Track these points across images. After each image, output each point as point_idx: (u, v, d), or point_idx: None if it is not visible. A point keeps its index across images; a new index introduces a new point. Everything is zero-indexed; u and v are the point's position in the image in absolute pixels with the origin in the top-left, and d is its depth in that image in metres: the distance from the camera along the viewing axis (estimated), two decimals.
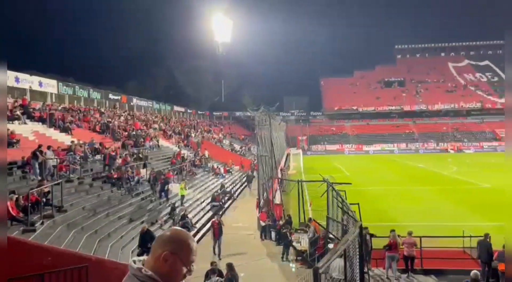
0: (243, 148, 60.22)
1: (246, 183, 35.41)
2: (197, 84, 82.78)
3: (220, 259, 15.07)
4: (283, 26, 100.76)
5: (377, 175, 40.64)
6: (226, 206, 26.43)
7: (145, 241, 13.71)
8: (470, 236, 14.08)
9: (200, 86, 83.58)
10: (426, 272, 13.44)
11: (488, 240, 13.11)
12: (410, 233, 13.73)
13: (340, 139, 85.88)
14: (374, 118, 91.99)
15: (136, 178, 21.01)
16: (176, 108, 65.64)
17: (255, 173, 31.77)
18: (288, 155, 57.56)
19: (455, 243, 14.59)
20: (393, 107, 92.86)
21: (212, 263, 11.60)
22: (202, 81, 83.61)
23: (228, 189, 30.16)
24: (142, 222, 17.66)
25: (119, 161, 21.69)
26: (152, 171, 23.07)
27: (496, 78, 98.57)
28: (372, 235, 13.67)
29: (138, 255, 12.54)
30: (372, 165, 51.89)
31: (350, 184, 17.96)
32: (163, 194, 21.73)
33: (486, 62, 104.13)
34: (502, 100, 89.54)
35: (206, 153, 39.45)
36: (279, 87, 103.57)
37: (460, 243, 14.61)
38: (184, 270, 1.84)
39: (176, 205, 21.41)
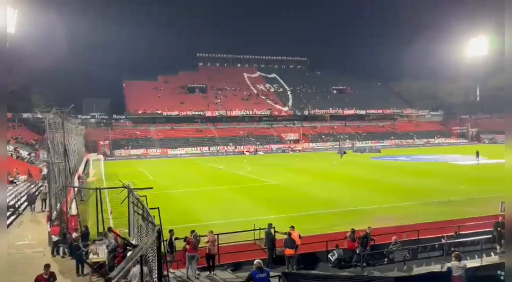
0: (32, 154, 52.98)
1: (27, 204, 27.33)
2: None
3: None
4: (83, 24, 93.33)
5: (181, 178, 41.63)
6: (8, 222, 22.62)
7: None
8: (260, 229, 15.78)
9: None
10: (224, 267, 14.37)
11: (271, 229, 14.94)
12: (211, 232, 14.47)
13: (145, 143, 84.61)
14: (178, 123, 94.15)
15: None
16: None
17: (45, 183, 28.07)
18: (88, 161, 53.47)
19: (248, 236, 16.14)
20: (196, 113, 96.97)
21: None
22: None
23: (11, 203, 25.92)
24: None
25: None
26: None
27: (281, 90, 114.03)
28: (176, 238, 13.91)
29: None
30: (177, 168, 52.91)
31: (151, 188, 17.78)
32: None
33: (274, 75, 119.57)
34: (286, 108, 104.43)
35: None
36: (78, 87, 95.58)
37: (252, 236, 16.21)
38: None
39: None
